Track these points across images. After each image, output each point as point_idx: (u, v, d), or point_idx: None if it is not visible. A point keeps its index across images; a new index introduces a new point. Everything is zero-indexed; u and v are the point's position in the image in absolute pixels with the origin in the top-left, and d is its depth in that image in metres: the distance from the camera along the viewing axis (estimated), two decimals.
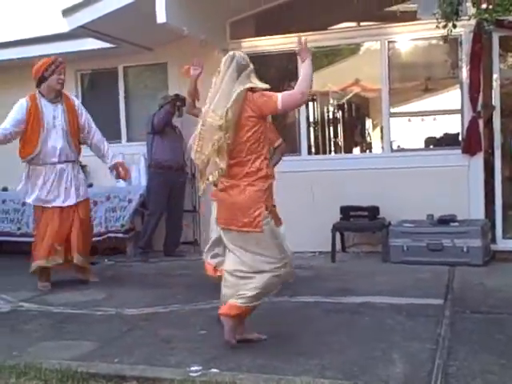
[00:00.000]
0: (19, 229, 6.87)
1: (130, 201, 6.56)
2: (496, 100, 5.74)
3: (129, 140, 7.29)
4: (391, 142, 6.34)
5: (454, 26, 5.29)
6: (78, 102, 5.49)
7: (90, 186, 7.15)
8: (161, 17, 5.59)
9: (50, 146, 5.13)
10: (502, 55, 6.05)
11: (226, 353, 3.42)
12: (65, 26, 6.05)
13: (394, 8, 7.06)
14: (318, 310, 4.24)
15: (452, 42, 6.02)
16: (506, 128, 6.10)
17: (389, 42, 6.36)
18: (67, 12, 5.90)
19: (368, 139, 8.50)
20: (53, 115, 5.14)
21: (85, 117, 5.38)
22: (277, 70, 7.29)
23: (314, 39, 6.55)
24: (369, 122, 8.63)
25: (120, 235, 6.50)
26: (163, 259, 6.44)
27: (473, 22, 5.48)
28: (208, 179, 3.44)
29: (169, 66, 7.04)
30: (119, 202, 6.57)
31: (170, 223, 6.60)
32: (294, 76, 6.68)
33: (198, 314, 4.23)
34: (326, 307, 4.28)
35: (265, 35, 6.73)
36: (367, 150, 8.15)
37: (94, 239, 6.38)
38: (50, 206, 5.15)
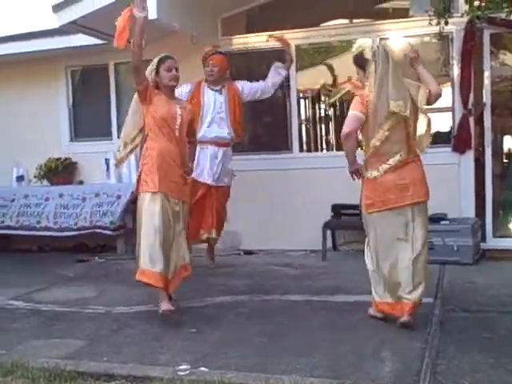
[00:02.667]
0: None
1: (118, 197, 6.54)
2: (487, 98, 5.74)
3: (120, 137, 7.23)
4: None
5: (446, 23, 5.30)
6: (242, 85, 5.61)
7: (81, 182, 7.16)
8: (152, 13, 5.55)
9: None
10: (493, 53, 6.04)
11: (215, 351, 3.41)
12: (55, 21, 6.01)
13: (387, 5, 7.08)
14: (308, 308, 4.23)
15: (444, 40, 6.02)
16: (497, 126, 6.09)
17: (380, 38, 6.33)
18: (57, 7, 5.84)
19: (360, 137, 8.48)
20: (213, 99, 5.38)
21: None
22: (268, 67, 7.27)
23: (306, 36, 6.59)
24: None
25: (109, 232, 6.47)
26: None
27: (465, 19, 5.48)
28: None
29: None
30: (107, 198, 6.56)
31: None
32: None
33: (188, 312, 4.20)
34: (316, 306, 4.27)
35: (256, 32, 6.70)
36: (359, 148, 8.11)
37: (79, 233, 6.50)
38: None
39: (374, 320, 3.82)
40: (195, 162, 5.12)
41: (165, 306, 3.90)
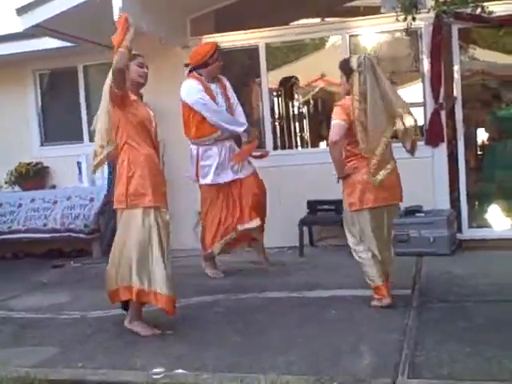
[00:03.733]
0: None
1: (91, 200, 6.47)
2: (457, 91, 5.77)
3: (91, 140, 7.14)
4: None
5: (414, 19, 5.32)
6: (228, 84, 5.42)
7: (53, 187, 7.05)
8: (117, 14, 5.48)
9: None
10: (462, 47, 6.09)
11: (192, 352, 3.37)
12: (19, 25, 5.90)
13: (358, 3, 7.10)
14: (287, 305, 4.20)
15: (413, 35, 6.04)
16: (470, 119, 6.14)
17: (350, 36, 6.34)
18: (22, 10, 5.70)
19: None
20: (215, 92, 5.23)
21: (232, 95, 5.36)
22: (240, 66, 7.24)
23: (277, 34, 6.56)
24: None
25: (83, 236, 6.38)
26: None
27: (432, 14, 5.51)
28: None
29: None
30: (79, 201, 6.48)
31: None
32: (256, 71, 6.67)
33: (164, 314, 4.12)
34: (294, 302, 4.25)
35: (226, 31, 6.66)
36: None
37: (51, 235, 6.40)
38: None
39: (351, 314, 3.81)
40: (207, 161, 5.09)
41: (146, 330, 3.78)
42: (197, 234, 5.49)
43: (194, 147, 5.23)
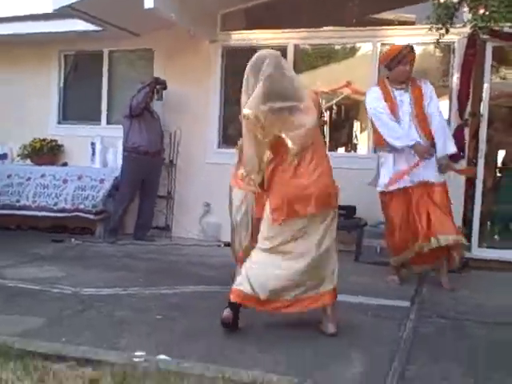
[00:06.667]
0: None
1: (101, 181, 6.44)
2: (484, 110, 5.63)
3: (108, 123, 7.15)
4: None
5: (447, 31, 5.19)
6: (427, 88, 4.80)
7: (65, 164, 7.06)
8: (149, 2, 5.47)
9: None
10: (493, 66, 5.95)
11: (179, 340, 3.29)
12: (51, 4, 5.91)
13: (392, 16, 6.98)
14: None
15: (445, 50, 5.94)
16: (493, 139, 6.00)
17: (381, 44, 6.25)
18: None
19: (355, 140, 8.40)
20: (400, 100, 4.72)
21: (430, 103, 4.73)
22: None
23: (306, 36, 6.50)
24: (357, 124, 8.52)
25: (91, 216, 6.37)
26: (133, 242, 6.32)
27: (467, 29, 5.37)
28: None
29: (155, 53, 6.92)
30: (90, 182, 6.44)
31: (143, 207, 6.49)
32: None
33: (157, 299, 4.09)
34: None
35: (256, 29, 6.61)
36: (352, 151, 8.04)
37: (60, 215, 6.40)
38: None
39: (347, 321, 3.67)
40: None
41: None
42: (203, 225, 5.44)
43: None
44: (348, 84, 7.54)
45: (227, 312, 3.36)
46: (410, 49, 4.75)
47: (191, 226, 6.39)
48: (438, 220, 4.48)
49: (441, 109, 4.84)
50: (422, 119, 4.64)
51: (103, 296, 4.12)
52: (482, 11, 5.12)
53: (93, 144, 6.75)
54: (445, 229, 4.46)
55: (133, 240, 6.37)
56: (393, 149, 4.65)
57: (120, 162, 6.49)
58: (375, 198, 4.85)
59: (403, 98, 4.70)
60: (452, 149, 4.66)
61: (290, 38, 6.48)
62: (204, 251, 5.83)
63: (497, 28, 5.25)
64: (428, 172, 4.58)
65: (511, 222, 6.17)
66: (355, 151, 7.97)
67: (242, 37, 6.65)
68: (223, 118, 6.72)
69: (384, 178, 4.68)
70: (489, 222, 5.98)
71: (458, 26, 5.30)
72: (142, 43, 6.88)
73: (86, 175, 6.52)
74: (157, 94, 6.42)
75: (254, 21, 6.82)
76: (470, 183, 5.56)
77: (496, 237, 6.03)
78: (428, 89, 4.75)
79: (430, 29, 4.93)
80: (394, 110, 4.66)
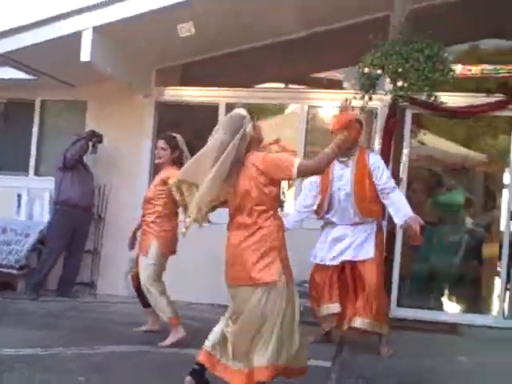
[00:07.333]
0: None
1: (27, 235, 6.30)
2: (404, 173, 5.94)
3: (36, 174, 7.02)
4: None
5: (370, 99, 5.55)
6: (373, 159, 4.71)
7: None
8: (85, 55, 5.54)
9: None
10: (413, 131, 6.32)
11: None
12: None
13: (321, 75, 7.32)
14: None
15: (369, 114, 6.24)
16: (412, 201, 6.27)
17: (309, 106, 6.53)
18: None
19: (282, 197, 8.60)
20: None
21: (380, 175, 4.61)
22: (200, 121, 7.31)
23: (239, 95, 6.68)
24: (285, 182, 8.76)
25: (13, 271, 6.18)
26: (55, 299, 6.13)
27: (389, 97, 5.71)
28: None
29: (89, 105, 6.91)
30: (15, 236, 6.29)
31: (68, 262, 6.34)
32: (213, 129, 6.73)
33: (79, 359, 3.98)
34: None
35: (190, 85, 6.76)
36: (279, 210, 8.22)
37: None
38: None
39: None
40: None
41: None
42: (129, 281, 5.37)
43: None
44: (277, 141, 7.76)
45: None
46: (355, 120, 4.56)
47: (117, 282, 6.30)
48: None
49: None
50: (360, 196, 4.53)
51: (24, 356, 3.97)
52: (400, 83, 5.53)
53: (19, 196, 6.59)
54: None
55: (55, 296, 6.18)
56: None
57: (47, 214, 6.38)
58: (297, 256, 4.93)
59: (342, 172, 4.61)
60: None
61: (223, 96, 6.64)
62: (129, 308, 5.69)
63: (416, 96, 5.63)
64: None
65: (429, 282, 6.39)
66: (282, 210, 8.14)
67: (175, 93, 6.77)
68: (154, 173, 6.74)
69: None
70: (408, 282, 6.18)
71: (380, 92, 5.66)
72: (76, 94, 6.86)
73: (10, 228, 6.35)
74: (92, 148, 6.39)
75: (189, 78, 6.98)
76: (390, 243, 5.77)
77: (415, 297, 6.19)
78: (372, 158, 4.67)
79: (355, 96, 5.23)
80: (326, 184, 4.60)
